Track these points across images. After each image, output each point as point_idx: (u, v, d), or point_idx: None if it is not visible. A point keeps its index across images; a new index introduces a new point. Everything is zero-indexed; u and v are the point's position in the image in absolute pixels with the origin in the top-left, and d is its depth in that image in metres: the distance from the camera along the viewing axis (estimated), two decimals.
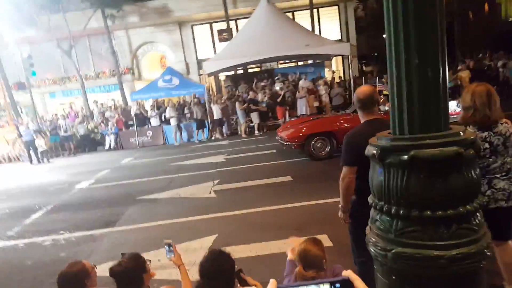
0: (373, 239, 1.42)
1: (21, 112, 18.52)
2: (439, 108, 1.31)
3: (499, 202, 2.45)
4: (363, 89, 2.65)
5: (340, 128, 8.13)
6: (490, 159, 2.46)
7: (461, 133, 1.31)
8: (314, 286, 0.71)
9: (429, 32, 1.29)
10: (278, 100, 13.83)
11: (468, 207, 1.27)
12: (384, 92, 8.56)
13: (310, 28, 17.80)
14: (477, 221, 1.30)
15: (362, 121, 2.66)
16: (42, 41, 18.27)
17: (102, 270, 3.91)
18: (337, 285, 0.71)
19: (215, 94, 16.97)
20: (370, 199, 1.49)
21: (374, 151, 1.38)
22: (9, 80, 17.06)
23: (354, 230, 2.71)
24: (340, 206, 2.67)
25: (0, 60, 16.58)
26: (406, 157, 1.27)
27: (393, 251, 1.31)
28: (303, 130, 8.35)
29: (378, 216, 1.42)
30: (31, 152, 13.44)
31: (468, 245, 1.25)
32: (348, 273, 0.72)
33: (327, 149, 8.18)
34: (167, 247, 2.50)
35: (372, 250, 1.42)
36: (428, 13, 1.27)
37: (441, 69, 1.31)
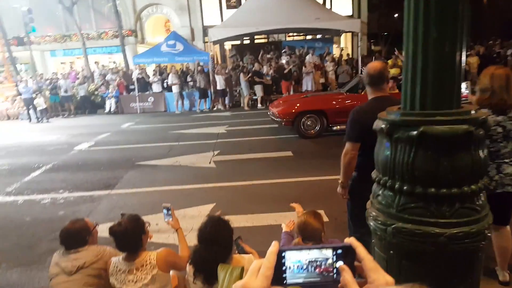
0: (374, 213, 1.43)
1: (20, 69, 18.27)
2: (453, 85, 1.28)
3: (506, 187, 2.45)
4: (374, 64, 2.58)
5: (332, 107, 8.04)
6: (501, 144, 2.45)
7: (472, 112, 1.29)
8: (317, 250, 0.71)
9: (450, 6, 1.23)
10: (284, 73, 13.63)
11: (473, 187, 1.27)
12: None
13: (321, 2, 17.31)
14: (480, 201, 1.30)
15: (369, 98, 2.59)
16: None
17: (101, 231, 4.00)
18: (339, 251, 0.71)
19: (220, 63, 16.69)
20: (373, 174, 1.48)
21: (383, 126, 1.36)
22: (8, 35, 16.67)
23: (352, 206, 2.73)
24: (339, 181, 2.66)
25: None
26: (415, 132, 1.25)
27: (393, 226, 1.32)
28: (294, 107, 8.23)
29: (380, 191, 1.42)
30: (31, 111, 13.37)
31: (469, 225, 1.25)
32: (350, 240, 0.71)
33: (317, 127, 8.13)
34: (165, 211, 2.53)
35: (371, 224, 1.43)
36: None
37: (459, 45, 1.27)
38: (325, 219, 3.95)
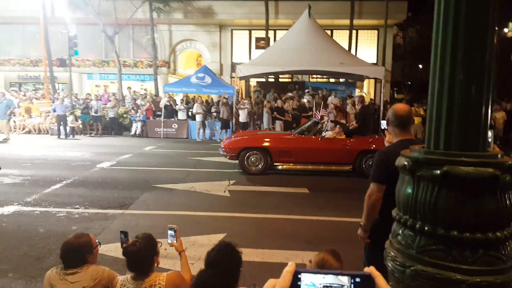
0: (392, 253, 1.37)
1: (58, 88, 19.25)
2: (479, 127, 1.27)
3: None
4: (402, 106, 2.53)
5: (276, 146, 8.10)
6: None
7: (499, 156, 1.26)
8: (333, 276, 0.69)
9: (478, 49, 1.25)
10: (304, 112, 13.78)
11: (498, 234, 1.21)
12: (325, 118, 8.62)
13: (347, 48, 17.75)
14: (506, 251, 1.24)
15: (395, 140, 2.53)
16: (89, 23, 19.00)
17: (109, 249, 4.01)
18: (357, 279, 0.69)
19: (244, 97, 17.10)
20: (394, 212, 1.44)
21: (406, 162, 1.35)
22: (53, 56, 17.80)
23: (371, 251, 2.57)
24: (361, 223, 2.53)
25: (48, 35, 17.32)
26: (438, 171, 1.23)
27: (412, 268, 1.26)
28: (240, 143, 8.34)
29: (400, 230, 1.38)
30: (61, 127, 13.91)
31: (493, 274, 1.19)
32: (370, 269, 0.69)
33: (261, 165, 8.11)
34: (172, 232, 2.48)
35: (389, 265, 1.38)
36: (479, 30, 1.24)
37: (485, 88, 1.27)
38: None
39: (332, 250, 2.19)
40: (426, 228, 1.26)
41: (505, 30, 23.53)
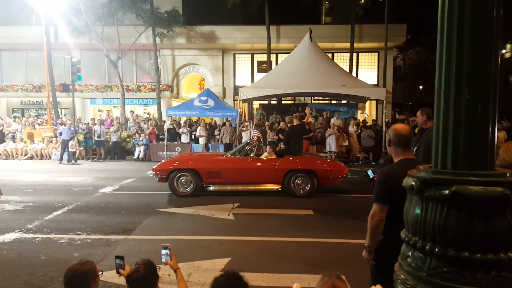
0: (402, 276, 1.34)
1: (61, 113, 19.47)
2: (487, 146, 1.27)
3: None
4: (403, 126, 2.55)
5: (204, 167, 8.13)
6: None
7: (508, 175, 1.25)
8: None
9: (483, 68, 1.26)
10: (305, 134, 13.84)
11: (510, 254, 1.19)
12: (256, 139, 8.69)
13: (348, 70, 18.01)
14: None
15: (396, 159, 2.54)
16: (93, 49, 19.43)
17: (112, 276, 3.93)
18: None
19: (246, 120, 17.24)
20: (403, 234, 1.42)
21: (413, 183, 1.34)
22: (55, 81, 18.08)
23: (377, 272, 2.55)
24: (365, 245, 2.50)
25: (51, 60, 17.69)
26: (447, 191, 1.22)
27: None
28: (168, 165, 8.32)
29: (410, 252, 1.35)
30: (65, 152, 13.96)
31: None
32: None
33: (190, 186, 8.09)
34: (166, 251, 2.43)
35: None
36: (484, 48, 1.25)
37: (491, 106, 1.27)
38: None
39: (338, 275, 2.13)
40: (436, 249, 1.23)
41: (503, 51, 23.89)
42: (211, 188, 8.18)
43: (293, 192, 7.98)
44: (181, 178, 8.11)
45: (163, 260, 2.44)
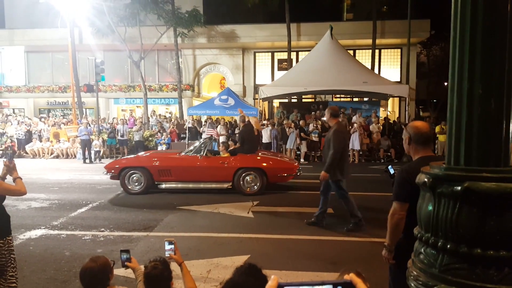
0: (415, 272, 1.34)
1: (85, 113, 20.09)
2: (500, 141, 1.24)
3: None
4: (423, 123, 2.50)
5: (155, 165, 8.18)
6: None
7: None
8: (317, 286, 0.71)
9: (496, 63, 1.24)
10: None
11: None
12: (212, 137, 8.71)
13: (370, 67, 17.70)
14: None
15: (415, 157, 2.49)
16: (116, 50, 19.92)
17: (130, 272, 4.04)
18: (339, 287, 0.71)
19: (267, 118, 17.26)
20: (415, 230, 1.41)
21: (426, 179, 1.33)
22: (80, 82, 18.66)
23: (396, 271, 2.51)
24: (385, 244, 2.48)
25: (76, 62, 18.29)
26: (459, 188, 1.21)
27: (435, 287, 1.23)
28: (119, 163, 8.41)
29: (422, 249, 1.34)
30: (86, 151, 14.35)
31: None
32: (351, 276, 0.70)
33: (142, 184, 8.19)
34: (170, 245, 2.45)
35: (412, 284, 1.34)
36: (497, 43, 1.23)
37: (505, 101, 1.25)
38: None
39: (357, 271, 2.12)
40: (448, 246, 1.22)
41: None
42: (163, 186, 8.28)
43: (243, 190, 8.06)
44: (133, 176, 8.27)
45: (167, 255, 2.46)
